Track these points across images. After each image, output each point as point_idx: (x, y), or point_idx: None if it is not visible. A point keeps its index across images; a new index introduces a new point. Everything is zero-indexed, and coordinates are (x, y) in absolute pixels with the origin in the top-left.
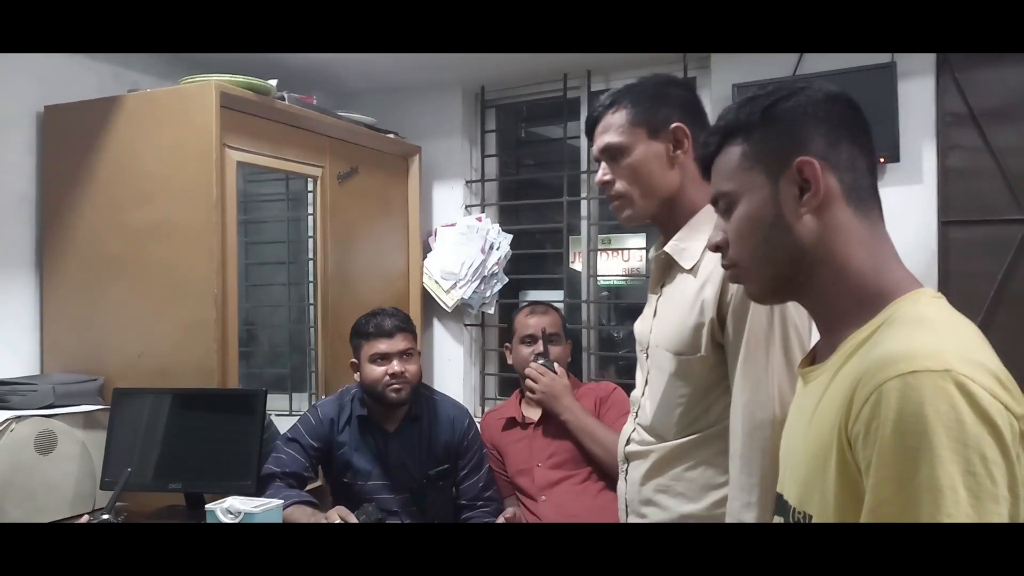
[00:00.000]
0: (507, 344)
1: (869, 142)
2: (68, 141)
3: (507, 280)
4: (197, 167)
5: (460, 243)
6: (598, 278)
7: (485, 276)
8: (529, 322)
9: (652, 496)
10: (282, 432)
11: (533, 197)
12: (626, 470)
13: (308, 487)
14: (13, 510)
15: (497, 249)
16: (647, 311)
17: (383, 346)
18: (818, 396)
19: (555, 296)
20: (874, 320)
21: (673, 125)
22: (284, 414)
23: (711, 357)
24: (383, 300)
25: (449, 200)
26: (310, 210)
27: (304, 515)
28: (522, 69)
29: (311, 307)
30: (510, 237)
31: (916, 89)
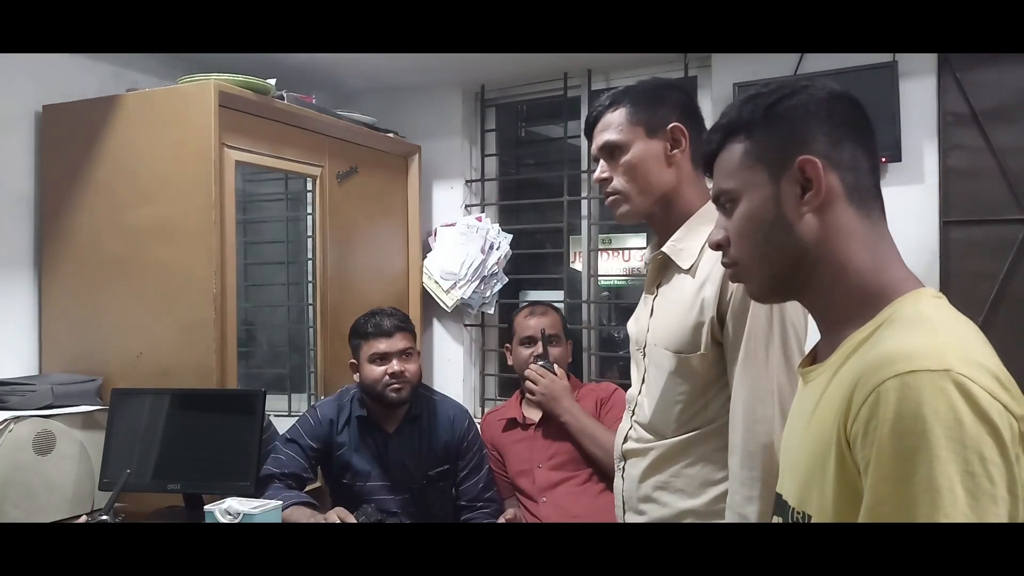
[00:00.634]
0: (507, 345)
1: (871, 141)
2: (67, 141)
3: (507, 280)
4: (196, 167)
5: (460, 243)
6: (598, 278)
7: (485, 276)
8: (528, 323)
9: (651, 493)
10: (281, 433)
11: (533, 197)
12: (623, 467)
13: (307, 488)
14: (12, 510)
15: (497, 249)
16: (641, 311)
17: (382, 346)
18: (817, 396)
19: (555, 296)
20: (874, 320)
21: (671, 125)
22: (283, 414)
23: (710, 354)
24: (383, 300)
25: (449, 200)
26: (309, 210)
27: (303, 516)
28: (522, 69)
29: (310, 307)
30: (510, 237)
31: (917, 89)
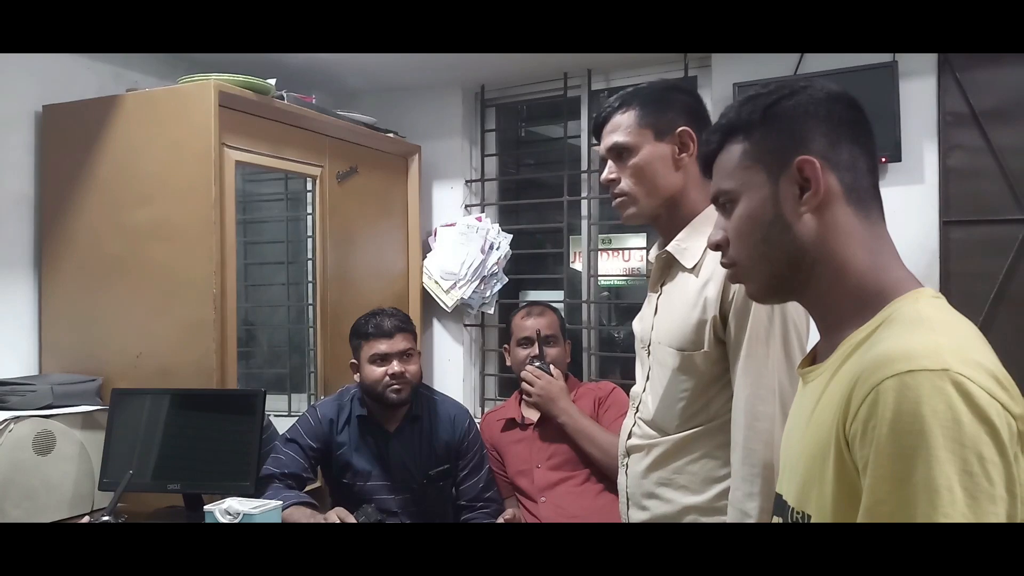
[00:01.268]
0: (506, 345)
1: (870, 142)
2: (67, 141)
3: (507, 280)
4: (196, 167)
5: (460, 243)
6: (598, 278)
7: (485, 276)
8: (525, 324)
9: (654, 489)
10: (281, 433)
11: (533, 197)
12: (627, 464)
13: (307, 488)
14: (12, 510)
15: (497, 249)
16: (646, 309)
17: (383, 346)
18: (817, 396)
19: (555, 296)
20: (873, 320)
21: (679, 128)
22: (283, 415)
23: (713, 352)
24: (383, 300)
25: (449, 200)
26: (309, 210)
27: (303, 516)
28: (522, 68)
29: (310, 307)
30: (510, 237)
31: (917, 89)
